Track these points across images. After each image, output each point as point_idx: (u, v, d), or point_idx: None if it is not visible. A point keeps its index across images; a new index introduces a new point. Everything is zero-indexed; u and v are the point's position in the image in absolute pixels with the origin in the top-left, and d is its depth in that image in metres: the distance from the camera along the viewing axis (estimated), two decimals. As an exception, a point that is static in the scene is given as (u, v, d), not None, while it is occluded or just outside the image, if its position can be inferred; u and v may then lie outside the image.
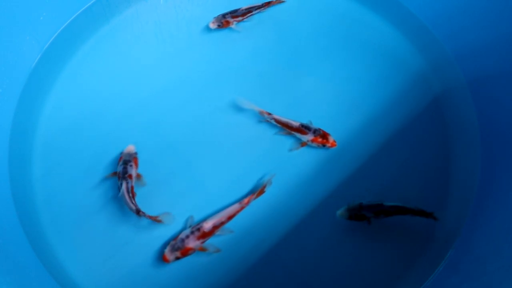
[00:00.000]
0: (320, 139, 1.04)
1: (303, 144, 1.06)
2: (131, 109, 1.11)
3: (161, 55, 1.18)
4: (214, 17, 1.18)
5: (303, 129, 1.05)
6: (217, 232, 0.95)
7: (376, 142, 1.09)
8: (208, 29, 1.20)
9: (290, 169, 1.06)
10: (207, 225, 0.94)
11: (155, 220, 0.96)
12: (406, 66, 1.18)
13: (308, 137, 1.05)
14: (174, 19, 1.22)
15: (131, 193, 0.97)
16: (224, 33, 1.20)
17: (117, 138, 1.08)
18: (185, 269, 0.97)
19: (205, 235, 0.93)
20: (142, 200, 1.01)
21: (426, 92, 1.15)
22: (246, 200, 0.97)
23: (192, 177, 1.05)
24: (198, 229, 0.93)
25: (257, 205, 1.02)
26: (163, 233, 0.99)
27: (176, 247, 0.93)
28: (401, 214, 0.96)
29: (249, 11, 1.19)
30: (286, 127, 1.06)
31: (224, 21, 1.17)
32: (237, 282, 0.97)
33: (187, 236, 0.93)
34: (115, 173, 1.01)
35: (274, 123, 1.07)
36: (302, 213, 1.02)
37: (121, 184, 0.97)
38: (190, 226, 0.95)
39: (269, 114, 1.07)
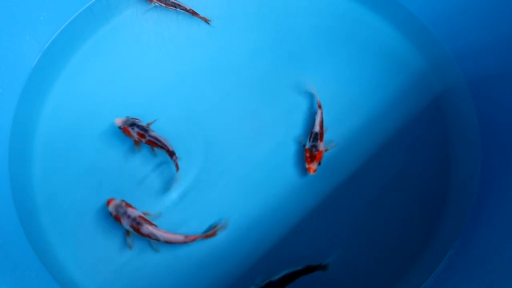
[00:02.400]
0: (307, 154, 1.02)
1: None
2: (131, 109, 1.11)
3: (161, 54, 1.18)
4: None
5: (311, 134, 1.05)
6: (149, 238, 0.95)
7: (376, 142, 1.09)
8: (208, 28, 1.20)
9: (290, 168, 1.06)
10: (145, 228, 0.94)
11: (177, 168, 0.99)
12: (406, 66, 1.18)
13: (307, 144, 1.04)
14: (174, 19, 1.22)
15: (162, 137, 1.01)
16: (224, 33, 1.20)
17: (117, 137, 1.08)
18: (186, 268, 0.98)
19: (137, 230, 0.95)
20: (143, 198, 1.01)
21: (426, 92, 1.15)
22: (192, 237, 0.95)
23: (191, 176, 1.05)
24: (138, 223, 0.95)
25: (257, 204, 1.03)
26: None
27: (117, 210, 0.96)
28: (293, 280, 0.92)
29: (174, 4, 1.18)
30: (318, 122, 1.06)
31: None
32: (237, 281, 0.97)
33: (129, 217, 0.95)
34: (136, 141, 1.03)
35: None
36: (301, 213, 1.02)
37: (150, 135, 1.01)
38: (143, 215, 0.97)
39: (320, 105, 1.07)
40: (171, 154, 1.00)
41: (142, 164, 1.05)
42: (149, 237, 0.95)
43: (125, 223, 0.95)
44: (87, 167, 1.05)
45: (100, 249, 0.99)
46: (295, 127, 1.10)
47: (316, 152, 1.02)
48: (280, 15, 1.23)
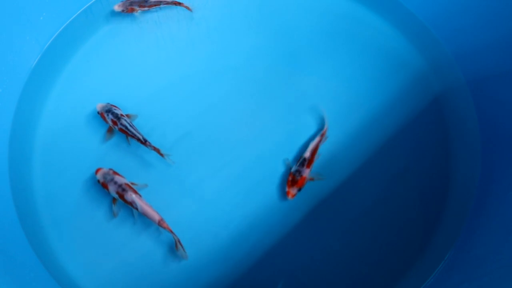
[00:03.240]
0: (289, 178, 1.00)
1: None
2: (130, 109, 1.11)
3: (161, 55, 1.18)
4: (122, 1, 1.19)
5: (300, 158, 1.02)
6: (131, 206, 0.97)
7: (376, 142, 1.09)
8: (208, 28, 1.20)
9: (289, 169, 1.06)
10: (129, 195, 0.96)
11: (159, 152, 1.02)
12: (406, 66, 1.18)
13: (293, 167, 1.02)
14: (174, 19, 1.22)
15: (134, 127, 1.03)
16: (224, 33, 1.20)
17: (118, 137, 1.08)
18: (185, 268, 0.98)
19: (122, 197, 0.97)
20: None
21: (426, 92, 1.15)
22: (165, 225, 0.95)
23: (192, 176, 1.05)
24: (124, 189, 0.97)
25: (256, 205, 1.03)
26: (162, 233, 0.99)
27: (105, 177, 0.99)
28: None
29: (157, 4, 1.19)
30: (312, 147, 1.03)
31: (130, 8, 1.18)
32: (237, 281, 0.97)
33: (116, 183, 0.97)
34: (110, 128, 1.06)
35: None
36: (301, 215, 1.02)
37: (122, 124, 1.03)
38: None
39: (322, 136, 1.04)
40: (143, 142, 1.02)
41: (142, 163, 1.05)
42: (131, 205, 0.96)
43: (112, 189, 0.97)
44: (87, 167, 1.05)
45: (100, 249, 0.99)
46: (294, 129, 1.10)
47: (299, 178, 0.99)
48: (280, 15, 1.23)
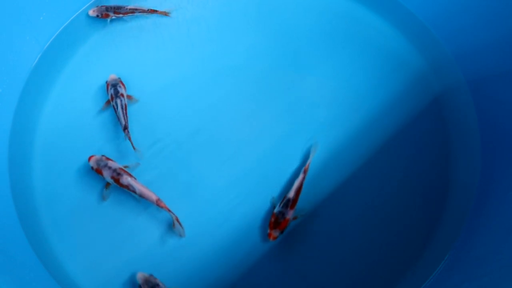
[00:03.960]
0: (272, 219, 0.97)
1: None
2: (130, 108, 1.11)
3: (160, 55, 1.18)
4: (97, 6, 1.19)
5: (283, 198, 0.99)
6: (127, 189, 0.98)
7: (376, 142, 1.09)
8: (208, 29, 1.20)
9: (290, 170, 1.06)
10: (124, 178, 0.98)
11: (132, 144, 1.03)
12: (406, 66, 1.18)
13: (276, 207, 0.99)
14: (174, 19, 1.22)
15: (125, 110, 1.05)
16: (224, 33, 1.20)
17: (118, 137, 1.08)
18: (185, 269, 0.98)
19: (117, 181, 0.98)
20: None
21: (426, 92, 1.15)
22: (163, 204, 0.96)
23: (193, 177, 1.05)
24: (118, 173, 0.98)
25: (256, 205, 1.03)
26: (162, 233, 1.00)
27: (98, 163, 1.00)
28: None
29: (132, 11, 1.20)
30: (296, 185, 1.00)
31: (104, 13, 1.18)
32: (238, 281, 0.97)
33: (110, 168, 0.99)
34: (108, 101, 1.08)
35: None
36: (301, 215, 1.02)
37: (116, 102, 1.05)
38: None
39: (306, 171, 1.02)
40: (123, 128, 1.03)
41: (143, 163, 1.05)
42: (127, 188, 0.98)
43: (106, 174, 0.99)
44: (87, 167, 1.05)
45: (100, 248, 0.99)
46: (294, 129, 1.10)
47: (282, 220, 0.96)
48: (279, 15, 1.23)
